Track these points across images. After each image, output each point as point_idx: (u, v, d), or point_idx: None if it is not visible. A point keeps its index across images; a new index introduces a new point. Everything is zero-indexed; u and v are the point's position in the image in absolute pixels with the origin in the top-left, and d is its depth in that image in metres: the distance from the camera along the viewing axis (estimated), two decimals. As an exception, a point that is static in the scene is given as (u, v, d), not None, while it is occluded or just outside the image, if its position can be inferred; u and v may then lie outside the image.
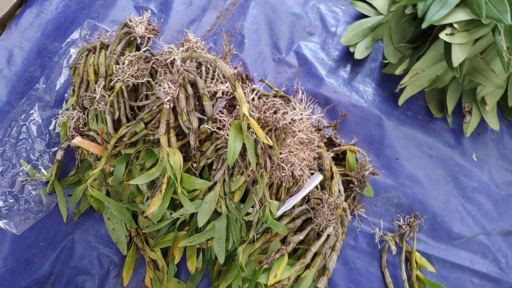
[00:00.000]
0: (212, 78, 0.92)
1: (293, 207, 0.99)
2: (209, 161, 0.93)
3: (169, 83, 0.80)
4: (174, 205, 1.01)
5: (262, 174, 0.88)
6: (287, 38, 1.33)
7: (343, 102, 1.24)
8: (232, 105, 0.91)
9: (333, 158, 1.11)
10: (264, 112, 0.84)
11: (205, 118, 0.88)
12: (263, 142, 0.81)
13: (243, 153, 0.88)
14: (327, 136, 1.09)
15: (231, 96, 0.90)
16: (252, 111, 0.87)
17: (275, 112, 0.88)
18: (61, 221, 1.07)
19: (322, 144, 1.05)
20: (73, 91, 1.02)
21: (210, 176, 0.93)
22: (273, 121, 0.84)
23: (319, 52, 1.31)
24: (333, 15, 1.39)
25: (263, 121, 0.85)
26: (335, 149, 1.11)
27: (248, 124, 0.82)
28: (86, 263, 1.05)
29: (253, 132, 0.84)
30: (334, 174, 1.04)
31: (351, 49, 1.30)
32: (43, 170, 1.10)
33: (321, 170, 1.02)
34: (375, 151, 1.20)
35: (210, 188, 0.94)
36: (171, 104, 0.80)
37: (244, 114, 0.80)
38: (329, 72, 1.28)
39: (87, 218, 1.08)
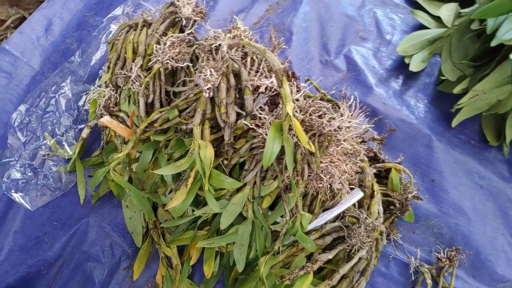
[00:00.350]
0: (257, 72, 0.84)
1: (325, 222, 0.91)
2: (242, 160, 0.86)
3: (212, 70, 0.73)
4: (198, 202, 0.93)
5: (298, 182, 0.80)
6: (338, 40, 1.24)
7: (392, 115, 1.14)
8: (274, 102, 0.83)
9: (375, 175, 1.02)
10: (310, 115, 0.76)
11: (244, 113, 0.81)
12: (304, 147, 0.73)
13: (280, 156, 0.80)
14: (373, 150, 1.00)
15: (275, 92, 0.82)
16: (296, 111, 0.79)
17: (320, 116, 0.79)
18: (77, 202, 1.01)
19: (366, 158, 0.96)
20: (108, 67, 0.96)
21: (240, 176, 0.86)
22: (318, 126, 0.76)
23: (371, 59, 1.22)
24: (390, 22, 1.29)
25: (307, 124, 0.77)
26: (378, 165, 1.02)
27: (290, 125, 0.74)
28: (98, 250, 0.99)
29: (294, 135, 0.76)
30: (375, 193, 0.95)
31: (406, 60, 1.20)
32: (66, 147, 1.04)
33: (361, 186, 0.93)
34: (420, 173, 1.09)
35: (239, 190, 0.86)
36: (210, 93, 0.73)
37: (288, 113, 0.72)
38: (380, 82, 1.19)
39: (104, 203, 1.02)
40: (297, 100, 0.82)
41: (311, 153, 0.78)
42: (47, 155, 1.03)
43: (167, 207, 0.84)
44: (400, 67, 1.22)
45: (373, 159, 1.04)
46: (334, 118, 0.78)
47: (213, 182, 0.81)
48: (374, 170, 1.01)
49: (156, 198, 0.92)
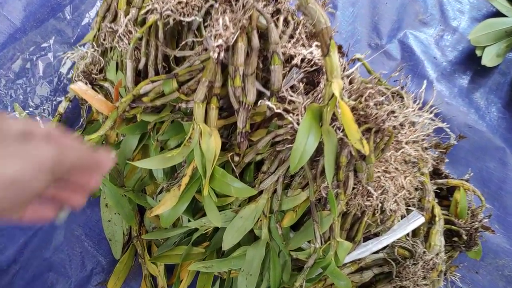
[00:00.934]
0: (291, 37, 0.60)
1: (366, 253, 0.66)
2: (259, 158, 0.62)
3: (227, 20, 0.49)
4: (197, 208, 0.70)
5: (338, 195, 0.56)
6: (392, 22, 0.99)
7: (456, 119, 0.89)
8: (311, 82, 0.59)
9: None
10: (366, 100, 0.52)
11: (267, 92, 0.56)
12: (353, 146, 0.49)
13: (314, 157, 0.56)
14: (434, 160, 0.74)
15: (314, 68, 0.58)
16: (344, 96, 0.55)
17: (377, 106, 0.55)
18: (44, 195, 0.79)
19: (427, 171, 0.71)
20: (95, 22, 0.73)
21: (255, 180, 0.62)
22: (376, 118, 0.51)
23: (432, 48, 0.97)
24: (458, 5, 1.04)
25: (359, 114, 0.52)
26: (439, 181, 0.77)
27: (335, 113, 0.50)
28: (64, 259, 0.77)
29: (339, 128, 0.52)
30: (437, 219, 0.70)
31: (478, 53, 0.95)
32: (40, 123, 0.82)
33: (420, 208, 0.69)
34: (490, 195, 0.84)
35: (252, 199, 0.63)
36: (221, 54, 0.49)
37: (333, 94, 0.48)
38: (442, 76, 0.94)
39: (78, 199, 0.79)
40: (345, 79, 0.58)
41: (362, 157, 0.53)
42: (14, 131, 0.81)
43: (153, 213, 0.61)
44: (468, 60, 0.97)
45: (433, 173, 0.79)
46: (404, 107, 0.54)
47: (215, 185, 0.57)
48: (434, 187, 0.76)
49: (140, 199, 0.69)
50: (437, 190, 0.78)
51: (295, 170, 0.48)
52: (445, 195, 0.79)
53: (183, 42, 0.62)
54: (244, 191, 0.56)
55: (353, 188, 0.57)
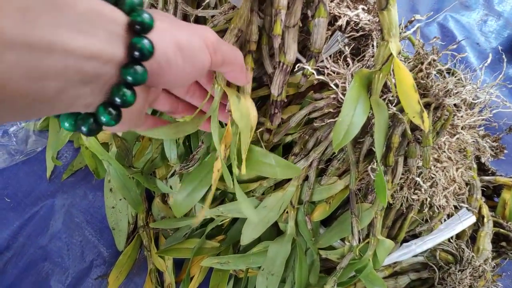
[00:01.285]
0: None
1: (406, 255, 0.57)
2: (289, 140, 0.53)
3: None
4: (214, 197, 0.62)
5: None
6: (432, 3, 0.91)
7: (502, 112, 0.79)
8: (356, 50, 0.50)
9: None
10: (427, 68, 0.43)
11: (303, 59, 0.48)
12: (410, 123, 0.40)
13: (358, 137, 0.48)
14: (492, 150, 0.65)
15: (360, 33, 0.49)
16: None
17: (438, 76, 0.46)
18: (43, 175, 0.71)
19: (475, 165, 0.62)
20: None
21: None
22: (438, 91, 0.42)
23: (475, 33, 0.88)
24: (502, -11, 0.95)
25: (417, 86, 0.44)
26: (486, 178, 0.67)
27: (387, 81, 0.41)
28: (61, 247, 0.69)
29: (390, 102, 0.43)
30: (486, 220, 0.61)
31: (526, 39, 0.86)
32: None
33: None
34: (540, 198, 0.74)
35: (278, 185, 0.54)
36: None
37: (388, 57, 0.39)
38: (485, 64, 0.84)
39: (80, 181, 0.72)
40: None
41: (416, 139, 0.44)
42: (13, 104, 0.73)
43: (171, 201, 0.53)
44: (515, 48, 0.88)
45: (478, 169, 0.69)
46: (462, 85, 0.45)
47: (252, 167, 0.48)
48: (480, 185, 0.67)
49: (149, 182, 0.60)
50: (483, 188, 0.69)
51: (339, 148, 0.40)
52: (490, 195, 0.70)
53: (206, 1, 0.54)
54: (291, 169, 0.47)
55: (400, 178, 0.48)
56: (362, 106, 0.40)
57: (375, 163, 0.46)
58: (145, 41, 0.24)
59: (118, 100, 0.24)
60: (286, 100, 0.45)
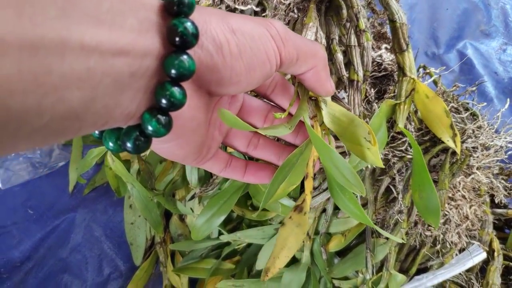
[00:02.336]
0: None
1: None
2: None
3: None
4: (229, 218, 0.64)
5: (399, 223, 0.49)
6: (452, 30, 0.92)
7: (517, 143, 0.80)
8: (378, 89, 0.52)
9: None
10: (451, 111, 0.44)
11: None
12: (427, 164, 0.42)
13: (378, 175, 0.49)
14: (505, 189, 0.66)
15: (383, 74, 0.51)
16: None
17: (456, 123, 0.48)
18: (65, 189, 0.73)
19: (488, 200, 0.63)
20: None
21: (300, 196, 0.55)
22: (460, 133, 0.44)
23: (493, 62, 0.89)
24: (522, 18, 0.95)
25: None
26: (497, 211, 0.68)
27: (410, 114, 0.43)
28: (80, 260, 0.71)
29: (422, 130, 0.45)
30: (496, 254, 0.62)
31: (543, 71, 0.87)
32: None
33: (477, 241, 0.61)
34: (551, 231, 0.75)
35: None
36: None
37: (411, 91, 0.41)
38: (503, 94, 0.86)
39: (101, 197, 0.74)
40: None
41: (433, 181, 0.46)
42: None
43: (193, 226, 0.54)
44: (532, 79, 0.89)
45: (490, 201, 0.71)
46: (480, 128, 0.47)
47: (259, 199, 0.51)
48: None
49: (170, 204, 0.63)
50: (494, 221, 0.70)
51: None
52: (501, 227, 0.71)
53: None
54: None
55: (417, 214, 0.49)
56: (382, 136, 0.42)
57: (395, 202, 0.47)
58: (188, 23, 0.19)
59: (164, 101, 0.19)
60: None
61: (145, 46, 0.18)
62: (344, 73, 0.44)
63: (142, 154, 0.62)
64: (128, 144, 0.20)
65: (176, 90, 0.19)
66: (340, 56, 0.45)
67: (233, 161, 0.32)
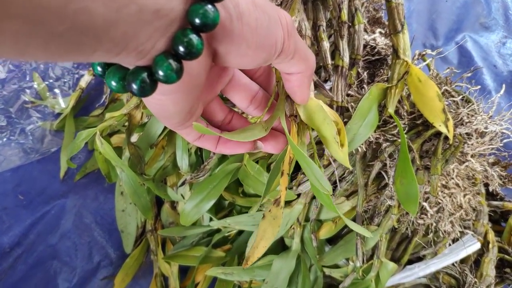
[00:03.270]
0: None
1: (409, 277, 0.58)
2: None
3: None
4: (220, 206, 0.63)
5: (390, 209, 0.48)
6: (451, 23, 0.91)
7: (514, 135, 0.79)
8: (371, 74, 0.51)
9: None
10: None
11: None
12: (420, 149, 0.41)
13: (369, 160, 0.48)
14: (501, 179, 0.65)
15: (376, 57, 0.50)
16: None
17: (449, 107, 0.47)
18: (56, 175, 0.72)
19: (483, 191, 0.62)
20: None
21: (292, 182, 0.54)
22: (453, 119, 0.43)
23: (493, 55, 0.88)
24: (522, 12, 0.94)
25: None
26: (493, 203, 0.67)
27: (402, 98, 0.43)
28: (70, 247, 0.70)
29: (401, 117, 0.44)
30: (491, 246, 0.61)
31: (543, 65, 0.86)
32: (59, 97, 0.76)
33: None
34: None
35: (286, 202, 0.55)
36: None
37: (404, 74, 0.41)
38: (501, 87, 0.84)
39: (91, 183, 0.73)
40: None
41: (425, 167, 0.45)
42: (31, 102, 0.75)
43: (181, 211, 0.54)
44: (532, 73, 0.88)
45: (486, 193, 0.70)
46: (475, 114, 0.46)
47: (248, 183, 0.50)
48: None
49: (160, 189, 0.62)
50: (490, 213, 0.69)
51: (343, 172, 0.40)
52: (497, 220, 0.70)
53: None
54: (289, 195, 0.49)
55: (408, 202, 0.48)
56: (372, 119, 0.41)
57: (386, 186, 0.47)
58: None
59: (181, 48, 0.19)
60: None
61: None
62: (330, 62, 0.44)
63: (133, 140, 0.62)
64: (134, 85, 0.19)
65: (195, 38, 0.19)
66: (326, 44, 0.44)
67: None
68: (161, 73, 0.19)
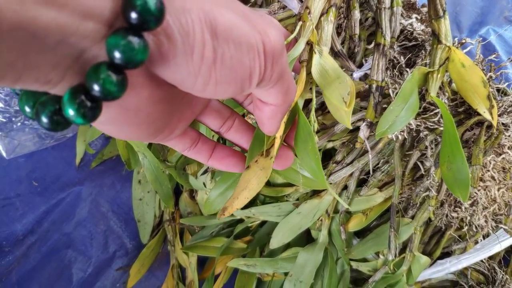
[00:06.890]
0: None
1: (437, 272, 0.56)
2: (332, 145, 0.52)
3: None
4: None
5: (427, 200, 0.46)
6: (475, 16, 0.89)
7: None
8: (408, 60, 0.49)
9: None
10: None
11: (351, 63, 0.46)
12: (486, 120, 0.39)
13: (407, 149, 0.47)
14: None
15: (413, 43, 0.48)
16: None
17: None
18: (72, 162, 0.71)
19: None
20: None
21: (324, 171, 0.52)
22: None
23: (516, 49, 0.86)
24: (547, 6, 0.92)
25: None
26: (521, 198, 0.66)
27: (444, 83, 0.41)
28: (85, 236, 0.68)
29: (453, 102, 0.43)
30: (521, 242, 0.59)
31: None
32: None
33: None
34: None
35: (315, 192, 0.53)
36: None
37: (446, 59, 0.39)
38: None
39: (108, 170, 0.71)
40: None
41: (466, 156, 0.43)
42: (46, 88, 0.73)
43: (204, 201, 0.52)
44: (555, 68, 0.86)
45: None
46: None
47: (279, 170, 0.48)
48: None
49: (181, 177, 0.60)
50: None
51: (381, 136, 0.38)
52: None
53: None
54: (315, 183, 0.47)
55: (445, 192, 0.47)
56: (413, 102, 0.39)
57: (422, 180, 0.45)
58: None
59: (96, 87, 0.15)
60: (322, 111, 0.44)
61: (91, 7, 0.14)
62: (357, 31, 0.42)
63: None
64: (42, 118, 0.15)
65: (113, 77, 0.15)
66: (357, 14, 0.42)
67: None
68: (71, 113, 0.15)
